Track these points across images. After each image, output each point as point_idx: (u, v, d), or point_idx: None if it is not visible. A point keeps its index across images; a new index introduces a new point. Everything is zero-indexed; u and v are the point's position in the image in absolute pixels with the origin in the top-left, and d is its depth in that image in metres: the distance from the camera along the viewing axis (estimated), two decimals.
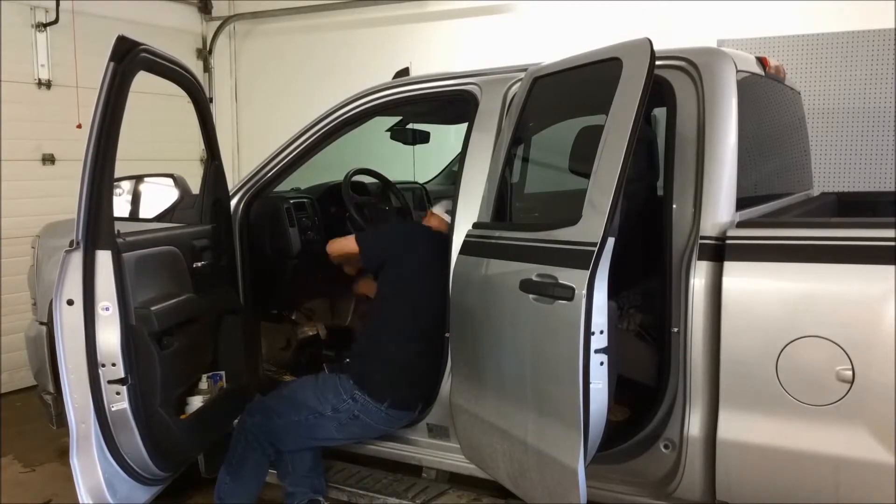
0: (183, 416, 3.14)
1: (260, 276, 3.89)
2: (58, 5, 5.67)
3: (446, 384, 3.24)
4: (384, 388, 3.19)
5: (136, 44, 2.76)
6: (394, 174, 4.66)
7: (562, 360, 2.46)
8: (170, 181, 3.78)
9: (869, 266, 2.36)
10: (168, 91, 3.50)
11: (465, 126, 3.37)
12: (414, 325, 3.29)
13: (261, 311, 4.02)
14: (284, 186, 4.09)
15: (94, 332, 2.67)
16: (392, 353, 3.26)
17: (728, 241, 2.57)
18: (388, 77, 3.91)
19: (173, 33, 6.84)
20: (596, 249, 2.35)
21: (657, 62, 2.45)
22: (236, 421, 3.40)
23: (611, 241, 2.36)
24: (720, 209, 2.68)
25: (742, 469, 2.58)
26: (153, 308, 2.89)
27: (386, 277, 3.34)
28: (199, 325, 3.25)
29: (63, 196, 5.14)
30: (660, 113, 3.13)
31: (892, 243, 2.33)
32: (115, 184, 2.89)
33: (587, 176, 2.50)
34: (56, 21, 5.70)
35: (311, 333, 4.27)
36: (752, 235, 2.57)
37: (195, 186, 3.76)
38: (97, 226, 2.66)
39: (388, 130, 4.74)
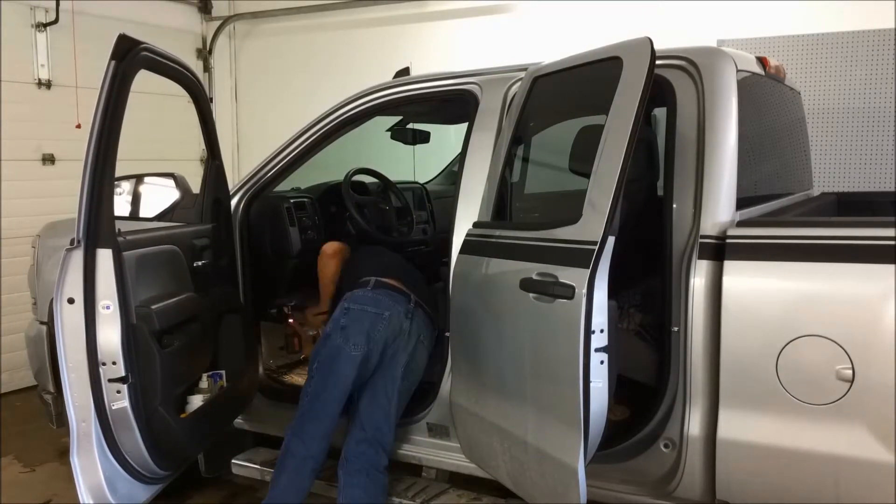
0: (183, 415, 3.14)
1: (260, 275, 3.90)
2: (58, 5, 5.67)
3: (446, 383, 3.24)
4: (364, 274, 3.43)
5: (137, 42, 2.77)
6: (394, 174, 4.66)
7: (562, 358, 2.46)
8: (170, 181, 3.78)
9: (869, 265, 2.36)
10: (168, 91, 3.51)
11: (465, 126, 3.37)
12: (390, 255, 3.73)
13: (261, 311, 4.02)
14: (284, 186, 4.09)
15: (95, 330, 2.68)
16: (372, 258, 3.64)
17: (728, 241, 2.57)
18: (388, 77, 3.91)
19: (173, 33, 6.85)
20: (596, 248, 2.35)
21: (657, 62, 2.45)
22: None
23: (611, 240, 2.36)
24: (720, 208, 2.68)
25: (742, 468, 2.58)
26: (154, 307, 2.90)
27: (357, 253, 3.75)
28: (200, 324, 3.25)
29: (63, 196, 5.15)
30: (660, 113, 3.14)
31: (892, 243, 2.33)
32: (116, 183, 2.90)
33: (587, 176, 2.50)
34: (56, 21, 5.71)
35: (311, 333, 4.27)
36: (753, 235, 2.57)
37: (195, 186, 3.76)
38: (98, 224, 2.66)
39: (388, 130, 4.74)
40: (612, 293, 2.44)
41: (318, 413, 3.16)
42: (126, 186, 3.72)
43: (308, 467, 3.13)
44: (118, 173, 2.81)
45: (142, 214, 3.71)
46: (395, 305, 3.30)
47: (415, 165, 5.50)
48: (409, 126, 4.75)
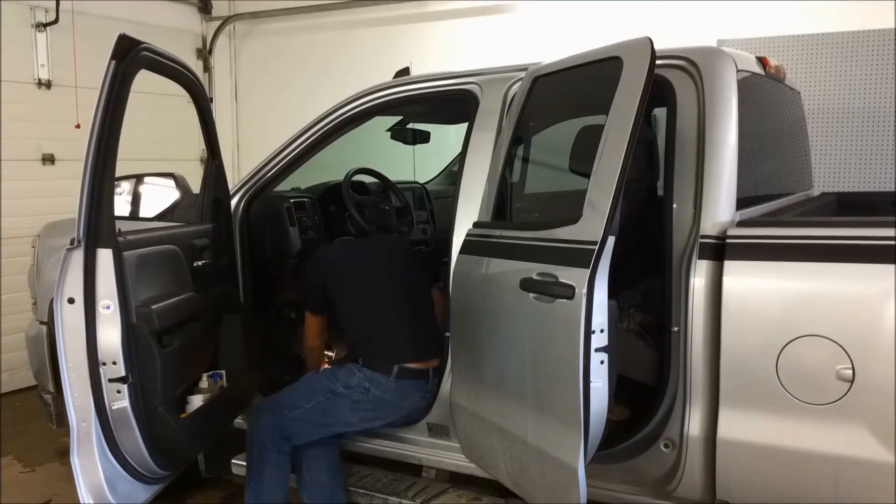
0: (183, 415, 3.14)
1: (260, 275, 3.90)
2: (58, 5, 5.67)
3: (446, 383, 3.24)
4: (388, 359, 3.24)
5: (137, 42, 2.76)
6: (394, 174, 4.66)
7: (562, 358, 2.46)
8: (170, 181, 3.78)
9: (869, 265, 2.36)
10: (168, 91, 3.51)
11: (465, 126, 3.37)
12: (389, 302, 3.39)
13: (261, 311, 4.02)
14: (284, 186, 4.09)
15: (95, 330, 2.67)
16: (383, 328, 3.34)
17: (728, 241, 2.57)
18: (388, 77, 3.91)
19: (173, 33, 6.85)
20: (596, 248, 2.35)
21: (657, 62, 2.45)
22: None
23: (611, 240, 2.36)
24: (720, 208, 2.68)
25: (742, 468, 2.58)
26: (154, 306, 2.89)
27: (342, 296, 3.41)
28: (200, 324, 3.25)
29: (63, 196, 5.15)
30: (660, 113, 3.14)
31: (892, 243, 2.33)
32: (116, 183, 2.90)
33: (587, 176, 2.50)
34: (56, 21, 5.71)
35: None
36: (753, 235, 2.57)
37: (195, 186, 3.76)
38: (98, 224, 2.66)
39: (388, 130, 4.74)
40: (612, 293, 2.44)
41: (279, 458, 3.26)
42: (126, 186, 3.72)
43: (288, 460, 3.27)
44: (118, 173, 2.81)
45: (142, 214, 3.71)
46: (414, 395, 3.30)
47: (415, 165, 5.50)
48: (409, 126, 4.75)
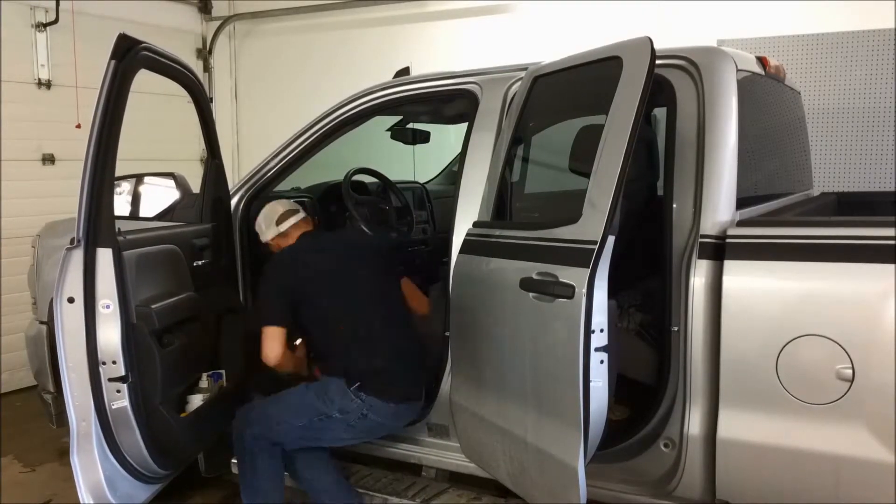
0: (183, 415, 3.14)
1: (260, 275, 3.90)
2: (58, 5, 5.67)
3: (446, 383, 3.24)
4: (388, 386, 3.09)
5: (136, 42, 2.77)
6: (394, 174, 4.66)
7: (562, 358, 2.46)
8: (170, 180, 3.79)
9: (869, 265, 2.36)
10: (168, 91, 3.51)
11: (465, 126, 3.37)
12: (371, 320, 3.18)
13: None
14: (284, 186, 4.09)
15: (95, 329, 2.68)
16: (377, 351, 3.15)
17: (728, 240, 2.57)
18: (388, 77, 3.91)
19: (173, 33, 6.85)
20: (596, 248, 2.35)
21: (657, 62, 2.45)
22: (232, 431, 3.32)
23: (611, 239, 2.36)
24: (720, 208, 2.68)
25: (742, 468, 2.58)
26: (154, 306, 2.90)
27: (309, 308, 3.16)
28: (200, 324, 3.25)
29: (63, 196, 5.13)
30: (660, 113, 3.14)
31: (892, 242, 2.33)
32: (116, 183, 2.90)
33: (587, 175, 2.50)
34: (56, 21, 5.71)
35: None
36: (753, 234, 2.57)
37: (195, 186, 3.76)
38: (98, 223, 2.67)
39: (388, 130, 4.74)
40: (612, 293, 2.44)
41: (272, 462, 3.18)
42: (126, 186, 3.73)
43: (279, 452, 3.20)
44: (118, 173, 2.81)
45: (142, 214, 3.71)
46: (410, 414, 3.25)
47: (415, 165, 5.50)
48: (409, 126, 4.75)
